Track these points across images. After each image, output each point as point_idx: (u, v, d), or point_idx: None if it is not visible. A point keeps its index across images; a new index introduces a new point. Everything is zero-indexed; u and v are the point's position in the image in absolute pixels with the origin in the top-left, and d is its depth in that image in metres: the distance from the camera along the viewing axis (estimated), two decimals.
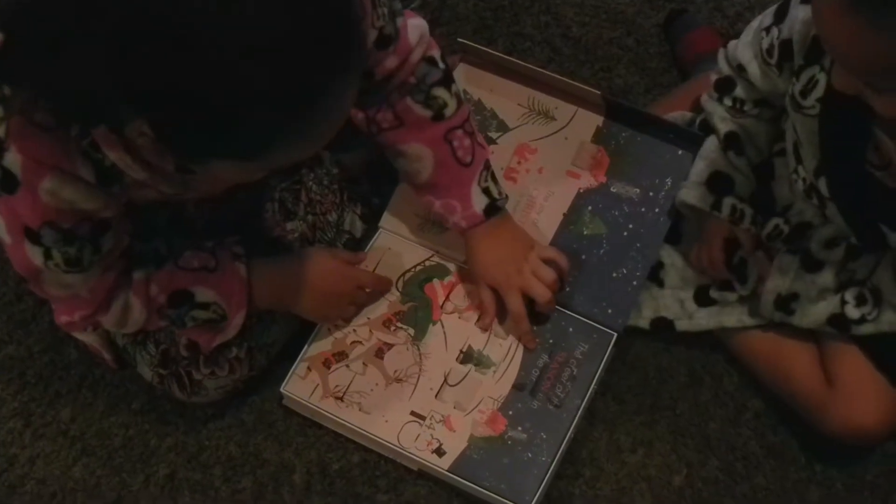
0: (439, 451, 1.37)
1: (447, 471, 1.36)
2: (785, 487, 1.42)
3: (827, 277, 1.32)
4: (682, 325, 1.46)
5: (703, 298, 1.44)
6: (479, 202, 1.37)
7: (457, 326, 1.44)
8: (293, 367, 1.42)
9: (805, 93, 1.20)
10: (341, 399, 1.40)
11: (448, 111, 1.34)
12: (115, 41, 0.86)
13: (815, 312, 1.33)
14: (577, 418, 1.38)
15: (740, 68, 1.33)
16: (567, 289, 1.43)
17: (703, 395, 1.47)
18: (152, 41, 0.86)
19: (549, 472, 1.35)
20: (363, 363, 1.42)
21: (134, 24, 0.86)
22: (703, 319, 1.44)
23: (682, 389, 1.47)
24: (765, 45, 1.26)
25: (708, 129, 1.40)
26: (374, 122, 1.35)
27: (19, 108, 1.01)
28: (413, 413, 1.39)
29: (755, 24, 1.30)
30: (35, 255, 1.12)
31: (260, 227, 1.42)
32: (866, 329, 1.32)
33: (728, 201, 1.36)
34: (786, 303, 1.35)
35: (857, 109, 1.08)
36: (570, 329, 1.43)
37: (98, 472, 1.43)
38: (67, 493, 1.42)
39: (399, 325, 1.44)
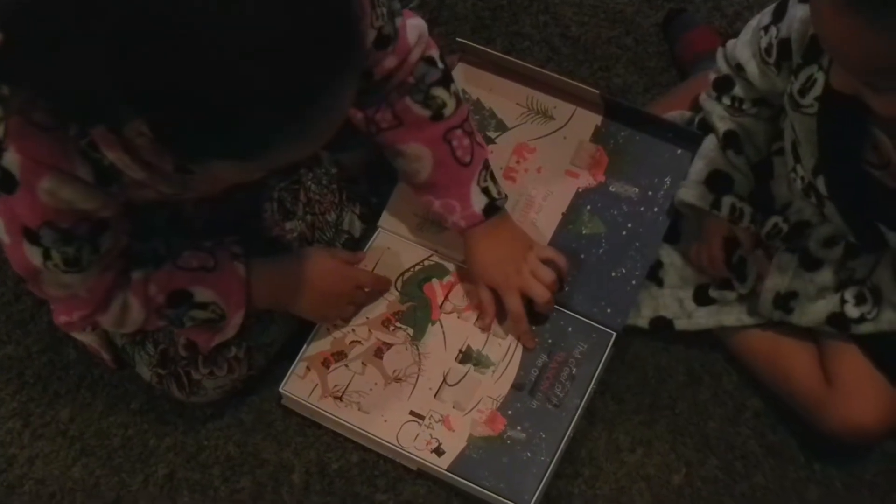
0: (438, 451, 1.37)
1: (446, 470, 1.36)
2: (784, 486, 1.42)
3: (826, 276, 1.32)
4: (681, 324, 1.46)
5: (702, 298, 1.44)
6: (478, 202, 1.37)
7: (456, 326, 1.44)
8: (292, 366, 1.42)
9: (803, 92, 1.20)
10: (340, 399, 1.40)
11: (447, 111, 1.34)
12: (114, 41, 0.86)
13: (815, 311, 1.33)
14: (576, 418, 1.38)
15: (739, 67, 1.33)
16: (566, 289, 1.43)
17: (702, 394, 1.47)
18: (152, 41, 0.86)
19: (549, 471, 1.35)
20: (362, 363, 1.42)
21: (134, 24, 0.86)
22: (703, 319, 1.44)
23: (681, 389, 1.47)
24: (763, 44, 1.26)
25: (707, 128, 1.40)
26: (373, 121, 1.35)
27: (18, 108, 1.01)
28: (412, 413, 1.39)
29: (754, 22, 1.30)
30: (34, 255, 1.12)
31: (259, 227, 1.42)
32: (866, 328, 1.32)
33: (727, 200, 1.36)
34: (785, 301, 1.35)
35: (856, 109, 1.08)
36: (569, 328, 1.43)
37: (97, 472, 1.43)
38: (66, 493, 1.42)
39: (398, 324, 1.44)
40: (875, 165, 1.18)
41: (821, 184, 1.23)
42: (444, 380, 1.41)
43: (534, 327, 1.42)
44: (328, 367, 1.42)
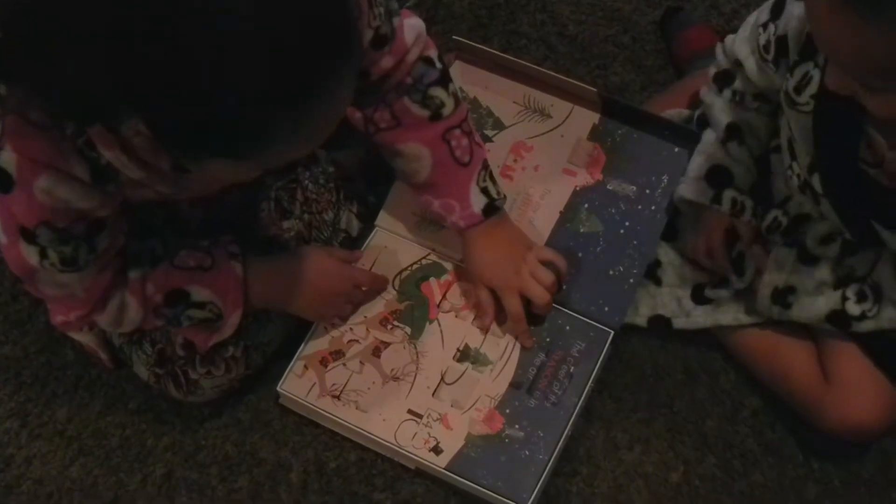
0: (436, 450, 1.37)
1: (444, 469, 1.36)
2: (782, 484, 1.42)
3: (824, 272, 1.32)
4: (679, 322, 1.46)
5: (700, 297, 1.44)
6: (477, 202, 1.37)
7: (453, 325, 1.44)
8: (290, 365, 1.42)
9: (799, 89, 1.20)
10: (338, 398, 1.40)
11: (446, 111, 1.34)
12: (114, 41, 0.86)
13: (815, 308, 1.33)
14: (574, 416, 1.38)
15: (737, 63, 1.33)
16: (564, 289, 1.43)
17: (700, 392, 1.47)
18: (151, 41, 0.86)
19: (547, 469, 1.35)
20: (360, 362, 1.42)
21: (133, 24, 0.86)
22: (701, 317, 1.44)
23: (679, 387, 1.47)
24: (762, 41, 1.26)
25: (705, 124, 1.40)
26: (371, 121, 1.35)
27: (15, 107, 1.01)
28: (410, 411, 1.39)
29: (752, 19, 1.30)
30: (30, 254, 1.12)
31: (256, 226, 1.42)
32: (866, 326, 1.32)
33: (728, 194, 1.35)
34: (783, 296, 1.35)
35: (851, 107, 1.08)
36: (567, 327, 1.43)
37: (95, 471, 1.43)
38: (64, 493, 1.42)
39: (396, 323, 1.44)
40: (870, 164, 1.18)
41: (816, 181, 1.23)
42: (442, 378, 1.41)
43: (532, 327, 1.42)
44: (326, 366, 1.42)
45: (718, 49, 1.37)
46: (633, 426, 1.45)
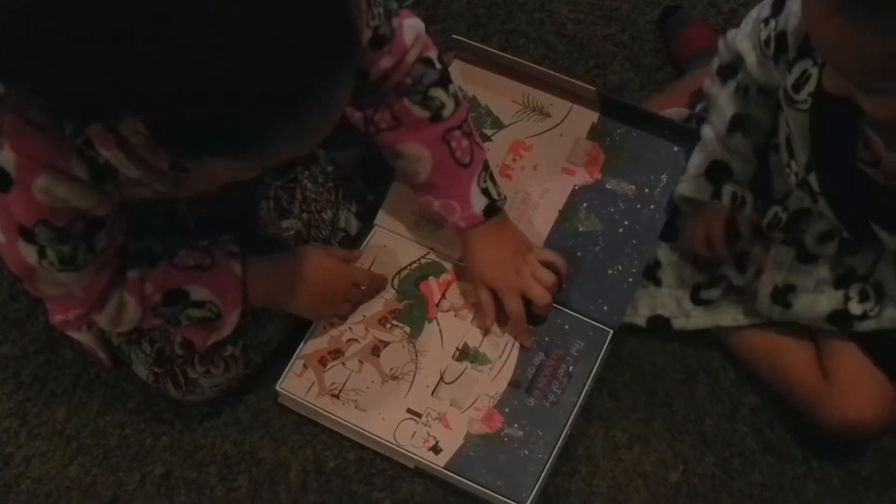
0: (435, 449, 1.37)
1: (443, 468, 1.36)
2: (781, 483, 1.42)
3: (822, 270, 1.32)
4: (678, 323, 1.46)
5: (699, 297, 1.44)
6: (478, 203, 1.37)
7: (453, 324, 1.44)
8: (289, 364, 1.42)
9: (797, 87, 1.20)
10: (337, 397, 1.40)
11: (446, 112, 1.34)
12: (114, 41, 0.86)
13: (817, 307, 1.33)
14: (573, 415, 1.38)
15: (739, 58, 1.32)
16: (565, 290, 1.43)
17: (699, 391, 1.47)
18: (152, 41, 0.86)
19: (546, 468, 1.35)
20: (359, 361, 1.42)
21: (133, 25, 0.86)
22: (700, 318, 1.44)
23: (678, 386, 1.47)
24: (763, 36, 1.26)
25: (705, 121, 1.39)
26: (372, 122, 1.35)
27: (13, 107, 1.01)
28: (409, 410, 1.39)
29: (754, 13, 1.29)
30: (29, 253, 1.12)
31: (255, 225, 1.42)
32: (868, 325, 1.31)
33: (728, 189, 1.35)
34: (783, 295, 1.34)
35: (848, 105, 1.08)
36: (566, 326, 1.43)
37: (94, 471, 1.43)
38: (63, 493, 1.41)
39: (395, 322, 1.44)
40: (867, 163, 1.18)
41: (813, 180, 1.23)
42: (441, 377, 1.41)
43: (531, 327, 1.42)
44: (325, 365, 1.42)
45: (721, 43, 1.36)
46: (632, 425, 1.45)
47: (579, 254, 1.46)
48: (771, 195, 1.36)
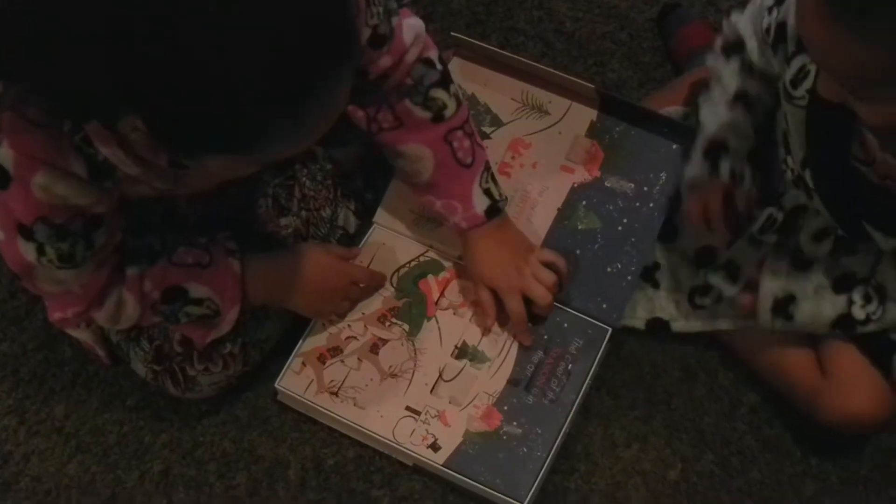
0: (434, 446, 1.37)
1: (442, 466, 1.36)
2: (780, 481, 1.42)
3: (818, 275, 1.31)
4: (677, 325, 1.45)
5: (695, 302, 1.44)
6: (480, 203, 1.37)
7: (451, 322, 1.44)
8: (287, 362, 1.42)
9: (796, 83, 1.19)
10: (336, 394, 1.40)
11: (448, 112, 1.34)
12: (114, 41, 0.86)
13: (820, 315, 1.31)
14: (571, 413, 1.38)
15: (741, 40, 1.31)
16: (565, 290, 1.43)
17: (697, 389, 1.47)
18: (152, 41, 0.86)
19: (544, 466, 1.35)
20: (358, 358, 1.42)
21: (133, 24, 0.86)
22: (699, 321, 1.44)
23: (677, 384, 1.47)
24: (765, 23, 1.25)
25: (700, 117, 1.38)
26: (374, 120, 1.35)
27: (11, 104, 1.01)
28: (408, 408, 1.39)
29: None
30: (28, 251, 1.12)
31: (253, 223, 1.42)
32: (871, 328, 1.31)
33: (726, 164, 1.33)
34: (784, 307, 1.32)
35: (843, 110, 1.07)
36: (565, 324, 1.43)
37: (93, 468, 1.43)
38: (62, 490, 1.41)
39: (393, 320, 1.44)
40: (862, 161, 1.18)
41: (808, 177, 1.23)
42: (440, 375, 1.41)
43: (531, 326, 1.42)
44: (324, 363, 1.42)
45: (725, 24, 1.35)
46: (630, 423, 1.45)
47: (578, 252, 1.46)
48: (766, 195, 1.35)
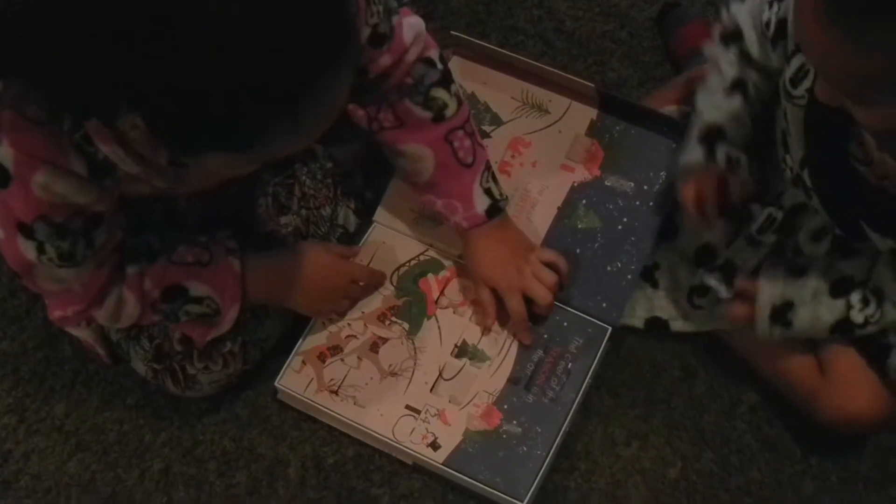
0: (434, 445, 1.37)
1: (442, 464, 1.36)
2: (780, 480, 1.42)
3: (815, 280, 1.30)
4: (676, 325, 1.45)
5: (694, 303, 1.43)
6: (480, 203, 1.37)
7: (451, 321, 1.44)
8: (287, 361, 1.42)
9: (795, 81, 1.19)
10: (336, 393, 1.40)
11: (448, 112, 1.34)
12: (114, 41, 0.86)
13: (819, 320, 1.30)
14: (571, 412, 1.38)
15: (739, 30, 1.31)
16: (565, 290, 1.43)
17: (697, 388, 1.47)
18: (152, 41, 0.86)
19: (544, 465, 1.35)
20: (358, 357, 1.42)
21: (133, 24, 0.86)
22: (698, 321, 1.44)
23: (677, 383, 1.47)
24: (765, 17, 1.25)
25: (697, 105, 1.38)
26: (375, 120, 1.35)
27: (11, 103, 1.01)
28: (408, 407, 1.39)
29: None
30: (28, 249, 1.12)
31: (253, 222, 1.42)
32: (870, 330, 1.30)
33: (722, 149, 1.32)
34: (782, 314, 1.31)
35: (841, 114, 1.07)
36: (565, 323, 1.43)
37: (93, 467, 1.43)
38: (62, 489, 1.41)
39: (393, 319, 1.44)
40: (861, 161, 1.18)
41: (807, 176, 1.23)
42: (440, 374, 1.41)
43: (531, 324, 1.42)
44: (324, 362, 1.42)
45: (724, 13, 1.34)
46: (630, 422, 1.45)
47: (578, 251, 1.46)
48: (765, 194, 1.35)
